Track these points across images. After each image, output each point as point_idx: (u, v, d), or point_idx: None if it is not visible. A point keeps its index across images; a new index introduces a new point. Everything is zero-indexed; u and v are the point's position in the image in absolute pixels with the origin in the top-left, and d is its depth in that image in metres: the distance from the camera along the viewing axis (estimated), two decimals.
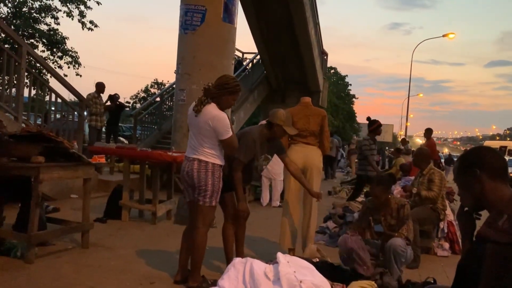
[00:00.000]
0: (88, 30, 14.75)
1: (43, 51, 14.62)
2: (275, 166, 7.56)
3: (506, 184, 1.60)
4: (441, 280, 3.53)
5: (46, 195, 6.08)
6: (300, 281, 2.45)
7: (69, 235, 4.37)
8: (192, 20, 8.02)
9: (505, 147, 14.88)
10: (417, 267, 4.37)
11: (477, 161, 1.63)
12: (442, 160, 21.17)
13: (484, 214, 1.67)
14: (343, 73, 39.40)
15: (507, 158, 5.70)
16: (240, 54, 16.06)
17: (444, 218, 4.92)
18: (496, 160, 1.63)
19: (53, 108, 7.69)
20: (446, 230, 5.14)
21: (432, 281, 3.09)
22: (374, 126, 6.88)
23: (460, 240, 4.85)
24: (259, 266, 2.65)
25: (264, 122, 3.78)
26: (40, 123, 7.37)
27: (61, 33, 14.82)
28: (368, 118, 7.04)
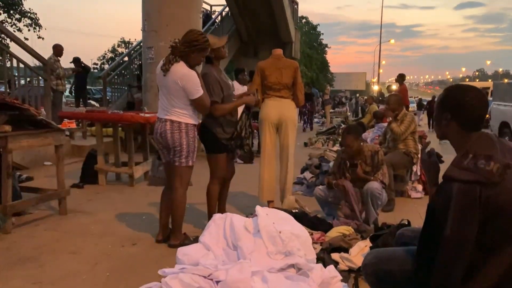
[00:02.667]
0: None
1: None
2: None
3: (477, 131, 1.62)
4: (415, 221, 3.66)
5: (19, 165, 5.95)
6: (280, 232, 2.50)
7: (46, 203, 4.32)
8: None
9: (488, 88, 15.02)
10: (392, 210, 4.53)
11: (455, 107, 1.63)
12: (413, 105, 21.50)
13: (448, 158, 1.71)
14: (315, 22, 38.92)
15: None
16: (208, 7, 15.56)
17: (417, 162, 5.06)
18: (475, 109, 1.61)
19: (16, 74, 7.37)
20: (419, 173, 5.30)
21: (407, 223, 3.20)
22: None
23: None
24: (239, 220, 2.68)
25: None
26: (3, 90, 7.07)
27: None
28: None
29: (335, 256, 2.94)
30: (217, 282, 2.16)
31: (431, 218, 1.61)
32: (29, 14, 14.31)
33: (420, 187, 5.29)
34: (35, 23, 14.52)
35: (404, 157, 4.84)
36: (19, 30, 14.16)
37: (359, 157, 3.86)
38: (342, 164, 3.96)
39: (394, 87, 13.27)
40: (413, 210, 4.57)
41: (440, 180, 1.62)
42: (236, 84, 6.69)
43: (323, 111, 20.14)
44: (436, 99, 1.80)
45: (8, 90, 7.05)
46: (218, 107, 3.41)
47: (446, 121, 1.64)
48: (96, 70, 26.63)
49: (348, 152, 3.89)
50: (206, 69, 3.46)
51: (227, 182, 3.80)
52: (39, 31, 14.63)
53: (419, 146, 5.19)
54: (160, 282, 2.21)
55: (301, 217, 3.45)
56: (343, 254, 2.95)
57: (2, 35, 12.08)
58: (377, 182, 3.73)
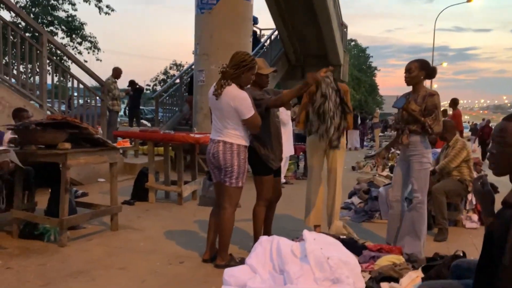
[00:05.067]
0: (105, 14, 14.82)
1: (63, 38, 14.81)
2: None
3: None
4: (470, 253, 3.48)
5: (75, 180, 6.24)
6: (328, 258, 2.45)
7: (98, 218, 4.48)
8: None
9: None
10: (445, 240, 4.33)
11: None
12: (467, 130, 20.60)
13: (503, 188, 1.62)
14: (364, 45, 38.74)
15: None
16: (257, 31, 15.86)
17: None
18: None
19: (75, 94, 7.80)
20: (474, 202, 5.05)
21: (461, 254, 3.04)
22: None
23: None
24: (285, 243, 2.66)
25: None
26: (64, 109, 7.49)
27: (79, 19, 14.95)
28: None
29: (384, 285, 2.84)
30: None
31: (489, 246, 1.53)
32: (89, 38, 15.16)
33: (475, 216, 5.02)
34: (94, 46, 15.35)
35: (458, 184, 4.63)
36: (80, 53, 15.01)
37: (413, 95, 3.60)
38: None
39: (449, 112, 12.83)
40: (467, 241, 4.35)
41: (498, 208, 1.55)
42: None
43: (371, 134, 19.78)
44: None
45: (68, 110, 7.47)
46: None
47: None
48: (148, 91, 27.68)
49: (407, 78, 3.60)
50: (250, 91, 3.48)
51: (273, 204, 3.79)
52: (97, 53, 15.45)
53: (475, 174, 4.97)
54: None
55: (349, 243, 3.37)
56: (393, 284, 2.84)
57: (64, 58, 12.85)
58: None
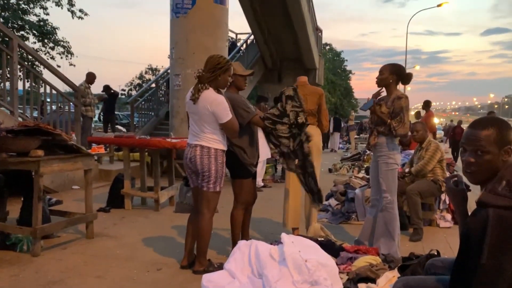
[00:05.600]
0: (78, 18, 14.59)
1: (34, 42, 14.50)
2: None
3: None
4: (444, 251, 3.56)
5: (48, 188, 6.10)
6: (306, 260, 2.47)
7: (73, 226, 4.39)
8: (183, 3, 7.92)
9: None
10: (420, 240, 4.42)
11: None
12: (440, 132, 21.05)
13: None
14: (338, 49, 39.24)
15: None
16: (233, 35, 15.90)
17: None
18: None
19: (48, 100, 7.64)
20: (448, 202, 5.17)
21: (436, 253, 3.11)
22: None
23: None
24: (264, 247, 2.67)
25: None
26: (36, 116, 7.33)
27: (51, 23, 14.67)
28: None
29: (362, 286, 2.87)
30: None
31: (466, 246, 1.57)
32: (62, 43, 14.88)
33: (449, 216, 5.15)
34: (67, 51, 15.09)
35: (432, 185, 4.74)
36: (52, 58, 14.72)
37: (386, 98, 3.67)
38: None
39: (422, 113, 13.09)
40: (442, 240, 4.45)
41: (471, 207, 1.59)
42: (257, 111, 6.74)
43: (347, 137, 20.02)
44: (465, 138, 1.73)
45: (40, 116, 7.31)
46: (257, 118, 3.45)
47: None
48: (124, 96, 27.35)
49: (377, 79, 3.68)
50: (228, 94, 3.51)
51: (250, 207, 3.81)
52: (71, 58, 15.18)
53: (447, 174, 5.09)
54: None
55: (327, 245, 3.40)
56: (370, 284, 2.88)
57: (36, 63, 12.58)
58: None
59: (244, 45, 15.04)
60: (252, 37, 14.70)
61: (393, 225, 3.66)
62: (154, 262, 3.58)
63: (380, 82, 3.68)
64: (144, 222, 4.98)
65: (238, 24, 14.67)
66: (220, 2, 8.14)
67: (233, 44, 14.47)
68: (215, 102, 3.17)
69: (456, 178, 1.83)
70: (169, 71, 9.58)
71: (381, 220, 3.70)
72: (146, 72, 32.72)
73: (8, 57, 6.16)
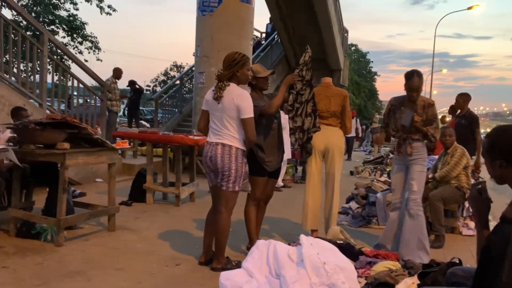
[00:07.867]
0: (107, 14, 14.84)
1: (64, 37, 14.84)
2: None
3: None
4: (466, 260, 3.48)
5: (73, 180, 6.24)
6: (324, 263, 2.45)
7: (96, 218, 4.47)
8: (209, 2, 7.96)
9: None
10: (442, 247, 4.34)
11: (509, 153, 1.60)
12: None
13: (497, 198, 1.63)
14: (364, 50, 38.78)
15: None
16: (258, 34, 15.89)
17: None
18: None
19: (75, 94, 7.80)
20: (471, 209, 5.06)
21: (457, 262, 3.05)
22: None
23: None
24: (282, 248, 2.66)
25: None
26: (63, 109, 7.49)
27: (81, 18, 14.98)
28: None
29: None
30: None
31: (487, 260, 1.53)
32: (90, 38, 15.18)
33: (472, 224, 5.03)
34: (95, 46, 15.38)
35: (455, 191, 4.64)
36: (80, 52, 15.04)
37: (410, 106, 3.68)
38: (391, 111, 3.84)
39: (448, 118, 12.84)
40: (464, 248, 4.36)
41: (493, 221, 1.56)
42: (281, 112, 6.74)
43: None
44: (483, 144, 1.74)
45: (67, 109, 7.47)
46: (271, 104, 3.50)
47: (502, 168, 1.60)
48: (148, 92, 27.71)
49: (408, 96, 3.66)
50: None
51: (263, 206, 3.82)
52: (98, 53, 15.47)
53: (472, 181, 4.97)
54: None
55: (346, 249, 3.37)
56: None
57: (65, 57, 12.86)
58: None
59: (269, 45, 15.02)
60: (276, 36, 14.67)
61: (423, 230, 3.73)
62: (173, 257, 3.62)
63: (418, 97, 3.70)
64: (164, 217, 5.04)
65: (264, 23, 14.62)
66: (247, 1, 8.16)
67: (258, 43, 14.48)
68: (241, 96, 3.20)
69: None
70: (193, 68, 9.66)
71: (411, 227, 3.71)
72: (171, 69, 33.04)
73: (39, 50, 6.32)
